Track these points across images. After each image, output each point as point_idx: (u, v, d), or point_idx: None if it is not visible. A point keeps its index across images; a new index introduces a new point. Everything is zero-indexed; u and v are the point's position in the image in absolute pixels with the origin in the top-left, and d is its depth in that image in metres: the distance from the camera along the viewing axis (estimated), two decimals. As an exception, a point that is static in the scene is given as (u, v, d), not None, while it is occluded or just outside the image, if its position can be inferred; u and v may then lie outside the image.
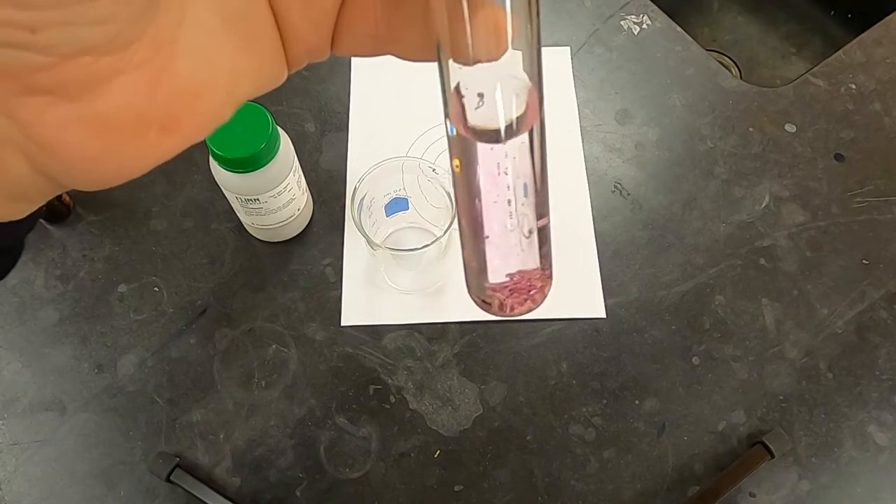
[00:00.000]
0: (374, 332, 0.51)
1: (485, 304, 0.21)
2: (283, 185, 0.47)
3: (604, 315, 0.52)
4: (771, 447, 0.46)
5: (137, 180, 0.16)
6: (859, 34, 0.64)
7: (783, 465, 0.48)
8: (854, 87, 0.61)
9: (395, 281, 0.53)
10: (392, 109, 0.59)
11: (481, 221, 0.19)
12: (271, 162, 0.45)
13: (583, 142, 0.58)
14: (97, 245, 0.54)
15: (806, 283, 0.53)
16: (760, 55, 0.80)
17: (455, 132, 0.18)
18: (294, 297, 0.52)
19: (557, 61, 0.62)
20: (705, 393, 0.50)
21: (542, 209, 0.19)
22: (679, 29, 0.63)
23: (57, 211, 0.53)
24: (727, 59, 0.80)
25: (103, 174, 0.16)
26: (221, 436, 0.48)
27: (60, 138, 0.15)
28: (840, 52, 0.63)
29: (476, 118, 0.18)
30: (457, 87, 0.18)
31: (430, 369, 0.50)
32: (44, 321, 0.52)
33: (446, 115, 0.18)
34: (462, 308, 0.52)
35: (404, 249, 0.47)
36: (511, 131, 0.18)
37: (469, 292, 0.21)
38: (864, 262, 0.54)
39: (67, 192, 0.54)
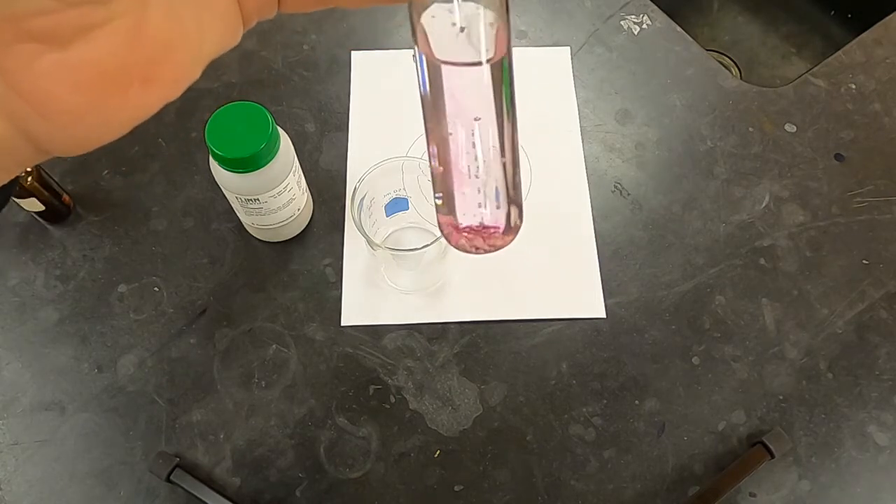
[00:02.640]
0: (374, 332, 0.51)
1: (454, 241, 0.21)
2: (283, 185, 0.47)
3: (604, 315, 0.52)
4: (771, 447, 0.46)
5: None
6: (859, 34, 0.64)
7: (783, 465, 0.48)
8: (854, 87, 0.61)
9: (395, 281, 0.53)
10: (392, 109, 0.59)
11: (447, 149, 0.20)
12: (271, 162, 0.45)
13: (583, 142, 0.58)
14: (97, 245, 0.54)
15: (806, 283, 0.53)
16: (760, 55, 0.80)
17: (424, 59, 0.19)
18: (294, 297, 0.52)
19: (557, 61, 0.62)
20: (705, 393, 0.50)
21: (509, 145, 0.20)
22: (679, 29, 0.63)
23: (57, 211, 0.53)
24: (727, 59, 0.80)
25: (84, 131, 0.16)
26: (221, 436, 0.48)
27: (45, 88, 0.15)
28: (840, 52, 0.63)
29: (442, 43, 0.18)
30: (424, 17, 0.18)
31: (430, 369, 0.50)
32: (44, 321, 0.52)
33: (415, 43, 0.19)
34: (462, 308, 0.52)
35: (404, 249, 0.47)
36: (475, 56, 0.18)
37: (440, 230, 0.21)
38: (864, 262, 0.54)
39: (67, 192, 0.54)
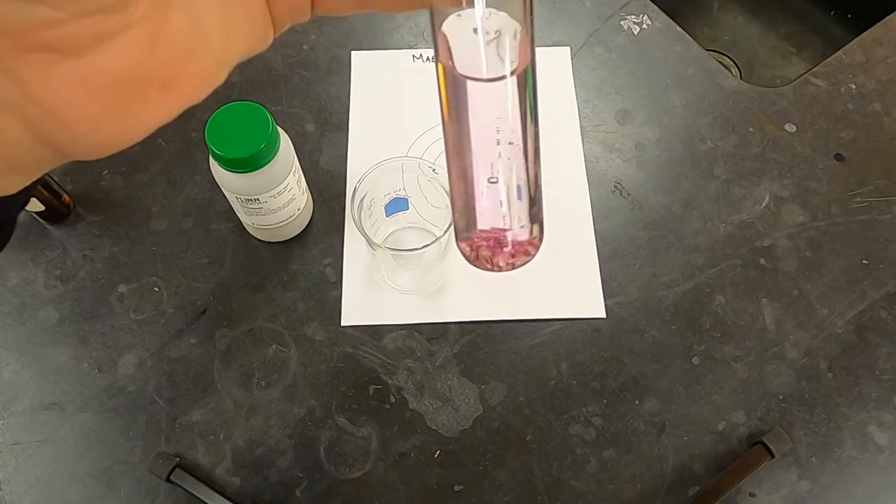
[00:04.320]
0: (374, 332, 0.51)
1: (473, 259, 0.21)
2: (283, 185, 0.47)
3: (604, 315, 0.52)
4: (771, 447, 0.46)
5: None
6: (859, 34, 0.64)
7: (783, 465, 0.48)
8: (854, 87, 0.61)
9: (395, 281, 0.53)
10: (392, 109, 0.59)
11: (470, 165, 0.19)
12: (271, 162, 0.45)
13: (583, 142, 0.58)
14: (97, 245, 0.54)
15: (806, 283, 0.53)
16: (760, 55, 0.80)
17: (444, 70, 0.18)
18: (294, 297, 0.52)
19: (557, 61, 0.62)
20: (705, 393, 0.50)
21: (531, 159, 0.19)
22: (679, 29, 0.63)
23: (57, 211, 0.53)
24: (727, 59, 0.80)
25: (103, 137, 0.16)
26: (221, 436, 0.48)
27: (62, 97, 0.15)
28: (840, 52, 0.63)
29: (465, 58, 0.18)
30: (447, 28, 0.18)
31: (430, 369, 0.50)
32: (44, 321, 0.52)
33: (437, 58, 0.18)
34: (462, 308, 0.52)
35: (404, 249, 0.47)
36: (500, 70, 0.18)
37: (458, 246, 0.21)
38: (864, 262, 0.54)
39: (67, 192, 0.54)
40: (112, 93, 0.15)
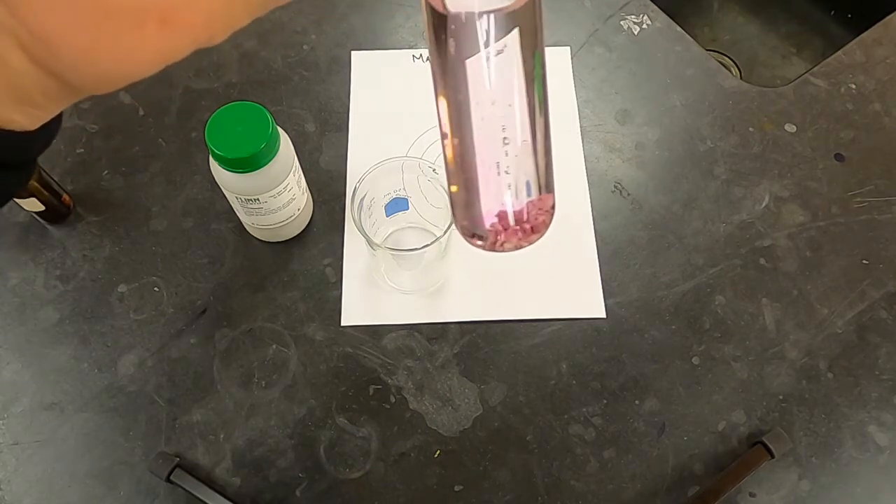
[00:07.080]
0: (374, 332, 0.51)
1: (476, 239, 0.18)
2: (283, 185, 0.47)
3: (604, 315, 0.52)
4: (771, 447, 0.46)
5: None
6: (859, 34, 0.64)
7: (783, 465, 0.48)
8: (854, 87, 0.61)
9: (395, 281, 0.53)
10: (392, 109, 0.59)
11: (470, 129, 0.17)
12: (271, 162, 0.45)
13: (583, 142, 0.58)
14: (97, 245, 0.54)
15: (806, 283, 0.53)
16: (760, 55, 0.80)
17: (434, 15, 0.17)
18: (294, 297, 0.52)
19: (557, 61, 0.62)
20: (705, 393, 0.50)
21: (538, 121, 0.17)
22: (679, 29, 0.63)
23: (57, 211, 0.53)
24: (727, 59, 0.80)
25: (100, 69, 0.15)
26: (221, 436, 0.48)
27: (49, 25, 0.14)
28: (840, 52, 0.63)
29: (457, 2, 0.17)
30: None
31: (430, 369, 0.50)
32: (44, 321, 0.52)
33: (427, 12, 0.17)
34: (462, 308, 0.52)
35: (404, 249, 0.47)
36: (494, 19, 0.16)
37: (456, 225, 0.19)
38: (864, 262, 0.54)
39: (67, 192, 0.54)
40: (101, 23, 0.14)
